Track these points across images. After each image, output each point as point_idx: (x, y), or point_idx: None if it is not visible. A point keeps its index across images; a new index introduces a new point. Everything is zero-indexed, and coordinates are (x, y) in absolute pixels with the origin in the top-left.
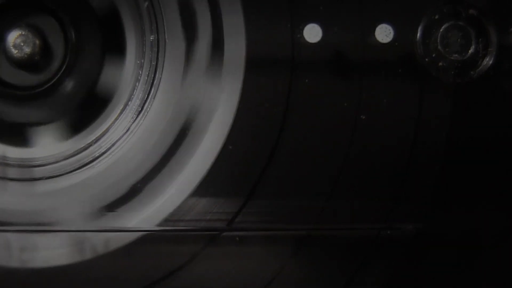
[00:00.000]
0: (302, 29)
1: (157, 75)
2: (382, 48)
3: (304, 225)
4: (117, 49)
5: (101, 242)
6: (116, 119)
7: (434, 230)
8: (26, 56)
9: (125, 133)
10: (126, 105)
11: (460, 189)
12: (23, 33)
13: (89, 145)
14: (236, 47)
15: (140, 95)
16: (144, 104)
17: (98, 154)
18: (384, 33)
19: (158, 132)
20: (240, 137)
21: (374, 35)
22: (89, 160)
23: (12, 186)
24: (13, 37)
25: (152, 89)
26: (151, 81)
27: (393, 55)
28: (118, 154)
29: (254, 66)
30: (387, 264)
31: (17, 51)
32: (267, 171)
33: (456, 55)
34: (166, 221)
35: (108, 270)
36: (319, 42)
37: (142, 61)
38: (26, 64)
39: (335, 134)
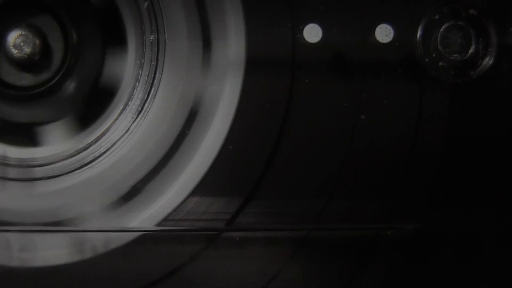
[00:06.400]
0: (302, 29)
1: (157, 75)
2: (382, 48)
3: (304, 225)
4: (117, 49)
5: (101, 242)
6: (116, 119)
7: (434, 230)
8: (26, 56)
9: (125, 133)
10: (126, 105)
11: (459, 189)
12: (23, 33)
13: (89, 145)
14: (236, 47)
15: (140, 95)
16: (144, 104)
17: (98, 154)
18: (384, 33)
19: (158, 132)
20: (240, 137)
21: (374, 35)
22: (89, 160)
23: (12, 186)
24: (13, 37)
25: (152, 89)
26: (151, 81)
27: (393, 55)
28: (118, 154)
29: (254, 66)
30: (387, 264)
31: (17, 51)
32: (267, 171)
33: (456, 55)
34: (165, 221)
35: (107, 270)
36: (319, 42)
37: (142, 61)
38: (26, 64)
39: (335, 134)
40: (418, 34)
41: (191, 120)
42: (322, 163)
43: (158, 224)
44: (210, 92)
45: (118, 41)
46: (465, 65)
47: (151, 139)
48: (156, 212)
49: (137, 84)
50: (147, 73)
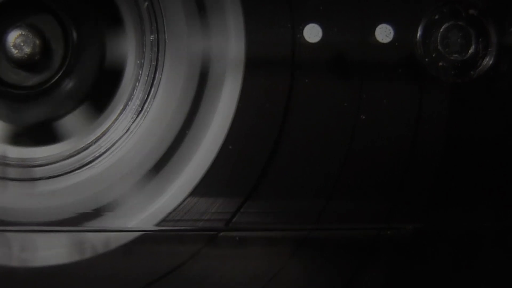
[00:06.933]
0: (302, 29)
1: (157, 75)
2: (382, 48)
3: (304, 225)
4: (117, 49)
5: (101, 242)
6: (116, 119)
7: (434, 230)
8: (26, 56)
9: (125, 133)
10: (126, 105)
11: (459, 189)
12: (23, 33)
13: (89, 145)
14: (236, 47)
15: (140, 95)
16: (144, 104)
17: (98, 154)
18: (384, 33)
19: (158, 132)
20: (240, 137)
21: (374, 35)
22: (89, 160)
23: (12, 186)
24: (13, 37)
25: (152, 89)
26: (151, 81)
27: (393, 55)
28: (118, 154)
29: (254, 66)
30: (387, 264)
31: (17, 51)
32: (266, 171)
33: (456, 55)
34: (165, 221)
35: (107, 270)
36: (319, 42)
37: (142, 61)
38: (26, 64)
39: (335, 134)
40: (418, 34)
41: (190, 120)
42: (322, 163)
43: (158, 224)
44: (210, 92)
45: (118, 41)
46: (465, 65)
47: (151, 139)
48: (156, 212)
49: (137, 84)
50: (147, 73)
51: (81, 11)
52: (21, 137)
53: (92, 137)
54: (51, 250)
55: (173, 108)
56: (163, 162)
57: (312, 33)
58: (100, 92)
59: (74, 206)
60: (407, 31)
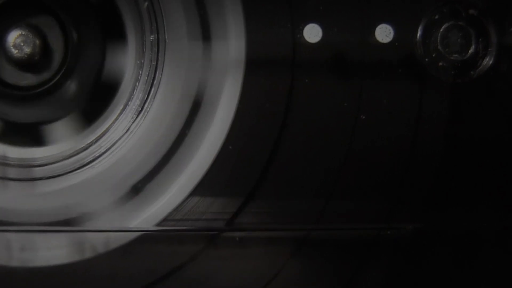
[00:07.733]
0: (302, 29)
1: (157, 75)
2: (382, 48)
3: (304, 225)
4: (117, 49)
5: (101, 242)
6: (116, 119)
7: (434, 230)
8: (26, 56)
9: (125, 133)
10: (126, 105)
11: (459, 189)
12: (23, 33)
13: (89, 145)
14: (236, 47)
15: (140, 95)
16: (144, 104)
17: (98, 154)
18: (384, 33)
19: (158, 132)
20: (240, 137)
21: (374, 35)
22: (89, 160)
23: (12, 186)
24: (13, 37)
25: (152, 89)
26: (151, 81)
27: (393, 55)
28: (118, 154)
29: (254, 66)
30: (386, 264)
31: (17, 51)
32: (267, 171)
33: (456, 55)
34: (166, 221)
35: (107, 270)
36: (319, 42)
37: (142, 61)
38: (26, 64)
39: (335, 134)
40: (418, 34)
41: (191, 120)
42: (322, 163)
43: (158, 224)
44: (210, 92)
45: (118, 41)
46: (465, 65)
47: (151, 139)
48: (156, 212)
49: (137, 84)
50: (147, 73)
51: (81, 11)
52: (21, 137)
53: (92, 137)
54: (51, 250)
55: (173, 108)
56: (163, 162)
57: (312, 33)
58: (100, 93)
59: (74, 206)
60: (407, 31)
